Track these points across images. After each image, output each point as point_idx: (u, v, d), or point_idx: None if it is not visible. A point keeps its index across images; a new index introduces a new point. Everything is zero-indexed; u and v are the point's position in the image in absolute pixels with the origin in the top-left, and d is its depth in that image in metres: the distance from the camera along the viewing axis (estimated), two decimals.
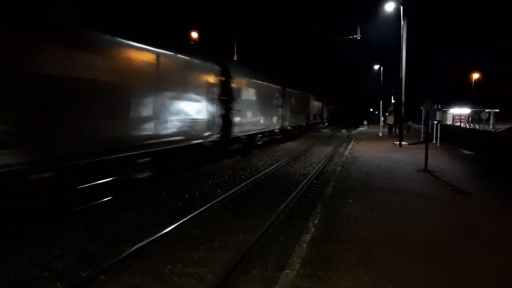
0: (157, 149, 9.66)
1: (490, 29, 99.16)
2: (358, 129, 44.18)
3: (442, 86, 71.14)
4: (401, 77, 20.52)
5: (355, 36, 26.68)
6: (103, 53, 7.73)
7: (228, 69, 14.33)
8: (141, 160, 9.22)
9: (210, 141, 12.94)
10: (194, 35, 26.75)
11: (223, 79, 13.88)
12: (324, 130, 44.10)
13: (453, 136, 21.14)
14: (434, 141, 21.13)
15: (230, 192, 9.48)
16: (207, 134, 12.58)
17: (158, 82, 9.69)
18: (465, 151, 17.41)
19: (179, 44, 12.29)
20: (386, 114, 33.58)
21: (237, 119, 15.21)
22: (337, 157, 17.38)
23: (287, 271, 4.68)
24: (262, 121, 19.24)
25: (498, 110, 36.61)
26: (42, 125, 6.44)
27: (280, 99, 22.59)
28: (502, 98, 50.41)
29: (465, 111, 35.46)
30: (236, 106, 15.01)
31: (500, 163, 13.36)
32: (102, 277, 4.94)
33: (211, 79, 12.94)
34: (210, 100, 12.74)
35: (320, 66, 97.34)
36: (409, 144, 20.70)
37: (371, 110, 72.95)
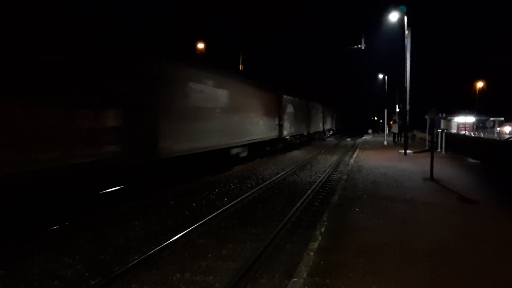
0: None
1: (494, 37, 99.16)
2: (363, 138, 44.13)
3: (447, 95, 71.11)
4: (405, 86, 20.57)
5: (359, 46, 26.75)
6: None
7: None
8: None
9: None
10: (200, 45, 27.02)
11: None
12: (329, 139, 44.12)
13: (458, 144, 21.06)
14: (439, 150, 21.07)
15: (237, 200, 9.53)
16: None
17: None
18: (471, 160, 17.36)
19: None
20: (391, 122, 33.57)
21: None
22: (343, 166, 17.39)
23: (295, 279, 4.70)
24: (253, 130, 17.49)
25: (502, 119, 36.51)
26: None
27: (278, 107, 21.50)
28: (506, 106, 50.26)
29: (470, 119, 35.35)
30: (222, 113, 13.76)
31: (506, 171, 13.32)
32: (111, 285, 5.00)
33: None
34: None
35: (324, 74, 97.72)
36: (414, 153, 20.65)
37: (375, 118, 72.99)
